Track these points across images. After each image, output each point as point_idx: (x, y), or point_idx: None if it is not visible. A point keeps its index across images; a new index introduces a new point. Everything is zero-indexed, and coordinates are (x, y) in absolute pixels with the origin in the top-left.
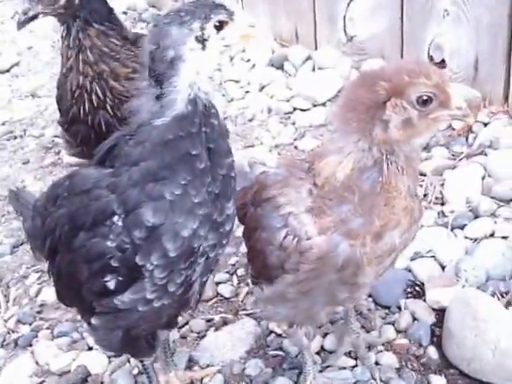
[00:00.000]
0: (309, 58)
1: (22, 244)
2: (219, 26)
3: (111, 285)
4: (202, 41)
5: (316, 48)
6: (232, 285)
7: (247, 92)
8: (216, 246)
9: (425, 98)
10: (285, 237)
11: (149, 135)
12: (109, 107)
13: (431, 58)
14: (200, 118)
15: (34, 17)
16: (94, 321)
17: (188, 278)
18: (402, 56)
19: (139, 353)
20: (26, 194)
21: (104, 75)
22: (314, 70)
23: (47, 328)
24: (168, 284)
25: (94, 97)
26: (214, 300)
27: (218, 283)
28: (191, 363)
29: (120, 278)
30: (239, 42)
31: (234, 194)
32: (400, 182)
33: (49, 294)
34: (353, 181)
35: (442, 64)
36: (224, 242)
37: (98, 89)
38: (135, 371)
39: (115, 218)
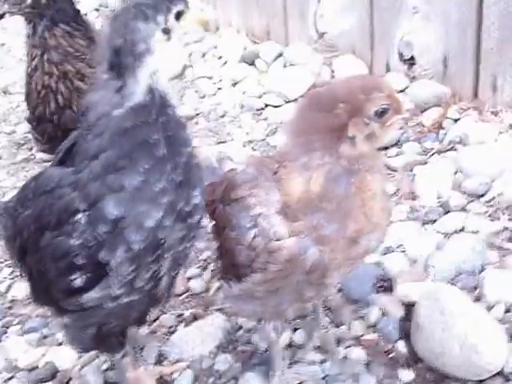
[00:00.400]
0: (280, 54)
1: None
2: (178, 16)
3: (78, 283)
4: (167, 32)
5: (287, 44)
6: (203, 280)
7: (219, 88)
8: (184, 239)
9: (381, 110)
10: (254, 237)
11: (107, 126)
12: (74, 107)
13: (401, 55)
14: (157, 107)
15: (0, 16)
16: (64, 319)
17: (156, 273)
18: (372, 53)
19: (109, 349)
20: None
21: (69, 75)
22: (285, 66)
23: (17, 324)
24: (135, 280)
25: (59, 96)
26: (184, 295)
27: (189, 278)
28: (161, 358)
29: (86, 276)
30: (195, 26)
31: (199, 182)
32: (373, 181)
33: (20, 289)
34: (327, 190)
35: (411, 61)
36: (192, 234)
37: (63, 88)
38: (104, 367)
39: (78, 216)
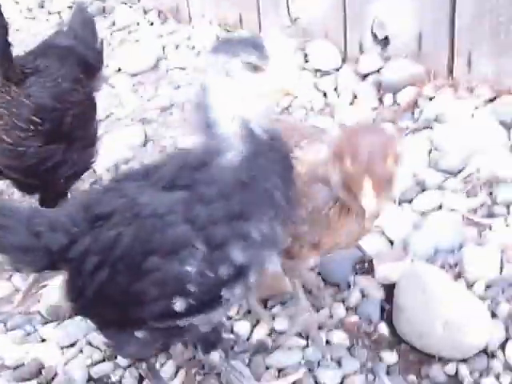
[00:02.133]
0: None
1: None
2: (251, 67)
3: (178, 307)
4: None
5: (260, 32)
6: None
7: (193, 79)
8: None
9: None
10: None
11: (221, 176)
12: None
13: (375, 36)
14: (263, 150)
15: None
16: (139, 334)
17: None
18: (345, 36)
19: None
20: (8, 203)
21: None
22: None
23: (0, 322)
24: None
25: None
26: None
27: None
28: None
29: (192, 302)
30: (273, 95)
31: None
32: (348, 222)
33: (2, 287)
34: (308, 188)
35: (385, 41)
36: None
37: None
38: (88, 362)
39: (196, 249)
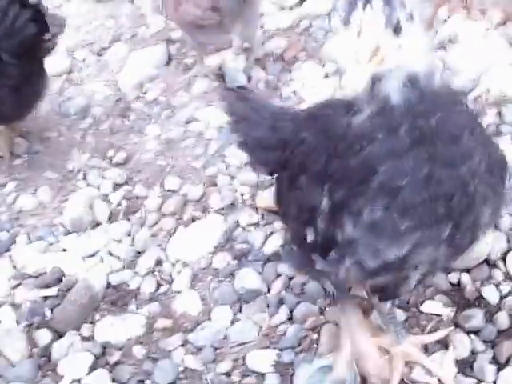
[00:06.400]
0: None
1: None
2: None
3: (309, 238)
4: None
5: None
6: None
7: None
8: (452, 257)
9: None
10: None
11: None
12: None
13: None
14: (388, 119)
15: None
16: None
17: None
18: None
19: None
20: (259, 97)
21: None
22: None
23: (24, 233)
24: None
25: None
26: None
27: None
28: (161, 260)
29: (317, 238)
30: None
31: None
32: None
33: (26, 200)
34: None
35: None
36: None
37: None
38: (108, 270)
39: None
